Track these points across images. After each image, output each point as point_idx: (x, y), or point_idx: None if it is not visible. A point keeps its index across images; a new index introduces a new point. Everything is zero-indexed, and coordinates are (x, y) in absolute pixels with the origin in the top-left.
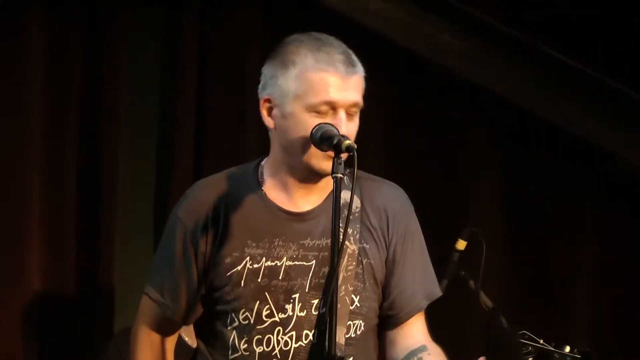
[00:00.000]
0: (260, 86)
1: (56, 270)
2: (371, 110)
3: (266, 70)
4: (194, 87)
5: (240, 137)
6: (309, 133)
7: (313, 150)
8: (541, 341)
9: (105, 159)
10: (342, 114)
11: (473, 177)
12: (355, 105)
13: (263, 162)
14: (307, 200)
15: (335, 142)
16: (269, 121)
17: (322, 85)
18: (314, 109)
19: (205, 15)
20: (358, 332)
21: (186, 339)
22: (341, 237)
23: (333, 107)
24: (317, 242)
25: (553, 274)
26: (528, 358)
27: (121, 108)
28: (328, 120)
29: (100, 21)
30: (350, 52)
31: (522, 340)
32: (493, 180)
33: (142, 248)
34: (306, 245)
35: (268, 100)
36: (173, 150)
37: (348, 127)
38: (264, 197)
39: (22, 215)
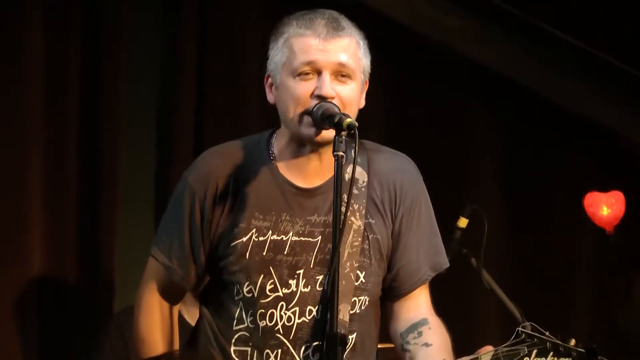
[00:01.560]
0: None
1: (57, 257)
2: (372, 89)
3: (269, 50)
4: (194, 71)
5: (240, 121)
6: (296, 98)
7: (297, 116)
8: (547, 333)
9: (105, 146)
10: (325, 75)
11: (474, 155)
12: (341, 66)
13: (275, 134)
14: (316, 175)
15: (336, 120)
16: (270, 97)
17: (301, 48)
18: (297, 73)
19: (205, 4)
20: (362, 308)
21: (185, 316)
22: (345, 212)
23: (316, 69)
24: (323, 218)
25: (554, 252)
26: (533, 349)
27: (121, 95)
28: (312, 83)
29: (99, 11)
30: (341, 17)
31: (527, 332)
32: (493, 158)
33: (143, 235)
34: (313, 221)
35: (268, 77)
36: (173, 136)
37: (338, 90)
38: (275, 171)
39: (23, 203)
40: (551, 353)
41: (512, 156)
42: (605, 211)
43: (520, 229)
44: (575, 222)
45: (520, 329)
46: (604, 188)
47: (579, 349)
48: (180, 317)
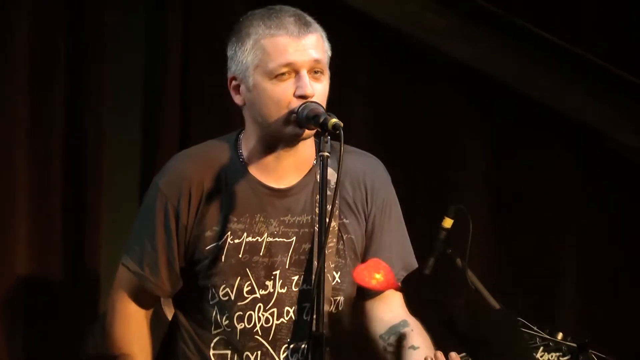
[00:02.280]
0: (227, 68)
1: (42, 259)
2: (356, 89)
3: (228, 51)
4: (178, 72)
5: (226, 121)
6: (275, 100)
7: (282, 117)
8: (535, 328)
9: (89, 147)
10: (303, 73)
11: (458, 155)
12: (316, 62)
13: (241, 136)
14: (288, 176)
15: (321, 120)
16: (237, 99)
17: (277, 49)
18: (274, 74)
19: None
20: (339, 308)
21: (165, 311)
22: (328, 213)
23: (294, 69)
24: (297, 218)
25: (539, 252)
26: None
27: (105, 95)
28: (291, 83)
29: (83, 3)
30: (304, 14)
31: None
32: (478, 158)
33: (128, 227)
34: (287, 221)
35: (233, 79)
36: (158, 136)
37: (315, 88)
38: (246, 173)
39: (6, 205)
40: (541, 348)
41: (497, 156)
42: (375, 280)
43: (505, 229)
44: (560, 222)
45: None
46: (587, 188)
47: (570, 343)
48: (159, 310)
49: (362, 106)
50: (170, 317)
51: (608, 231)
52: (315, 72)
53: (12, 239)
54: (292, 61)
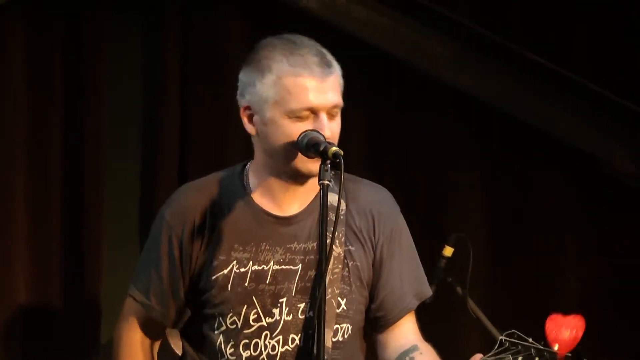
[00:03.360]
0: (238, 93)
1: (42, 280)
2: (353, 116)
3: (242, 77)
4: (178, 92)
5: (224, 142)
6: (291, 138)
7: (298, 153)
8: (530, 340)
9: (89, 168)
10: (323, 117)
11: (455, 181)
12: (335, 106)
13: (248, 166)
14: (293, 203)
15: (321, 148)
16: (250, 128)
17: (300, 91)
18: (295, 115)
19: (188, 20)
20: (345, 336)
21: (172, 345)
22: (329, 240)
23: (313, 111)
24: (303, 245)
25: (537, 278)
26: (518, 357)
27: (105, 115)
28: (309, 123)
29: (81, 27)
30: (325, 51)
31: (511, 339)
32: (475, 184)
33: (128, 257)
34: (293, 249)
35: (247, 108)
36: (158, 157)
37: (331, 128)
38: (251, 201)
39: (7, 233)
40: (537, 359)
41: (495, 183)
42: (566, 334)
43: (505, 257)
44: (559, 248)
45: (503, 337)
46: (586, 217)
47: (566, 354)
48: (167, 345)
49: (359, 132)
50: (179, 352)
51: (606, 255)
52: (332, 112)
53: (12, 267)
54: (314, 105)
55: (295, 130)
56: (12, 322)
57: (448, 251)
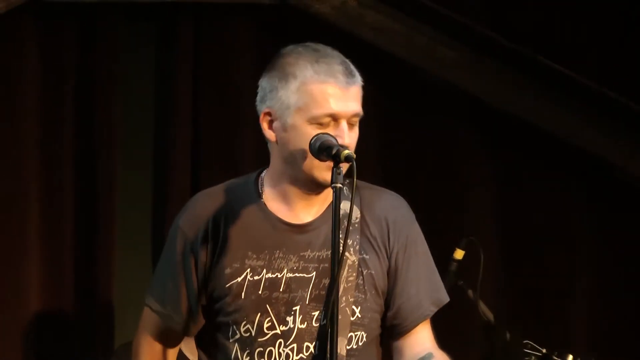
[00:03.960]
0: (258, 99)
1: (55, 286)
2: (366, 121)
3: (264, 83)
4: (190, 101)
5: (236, 150)
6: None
7: (315, 161)
8: (544, 350)
9: (101, 174)
10: (344, 124)
11: (468, 187)
12: (356, 115)
13: (263, 174)
14: (307, 211)
15: (334, 152)
16: (269, 134)
17: (324, 97)
18: (317, 121)
19: (200, 29)
20: (360, 344)
21: (188, 354)
22: (341, 247)
23: (335, 118)
24: (317, 253)
25: (550, 284)
26: None
27: (117, 123)
28: (330, 130)
29: (95, 36)
30: (349, 62)
31: (525, 350)
32: (488, 190)
33: (140, 263)
34: (306, 257)
35: (268, 114)
36: (169, 165)
37: (350, 137)
38: (265, 209)
39: (20, 235)
40: None
41: (507, 187)
42: None
43: (516, 260)
44: (570, 252)
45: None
46: (597, 218)
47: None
48: (180, 353)
49: (370, 138)
50: (192, 357)
51: (618, 259)
52: (352, 121)
53: (25, 277)
54: (336, 112)
55: None
56: (26, 326)
57: (459, 254)
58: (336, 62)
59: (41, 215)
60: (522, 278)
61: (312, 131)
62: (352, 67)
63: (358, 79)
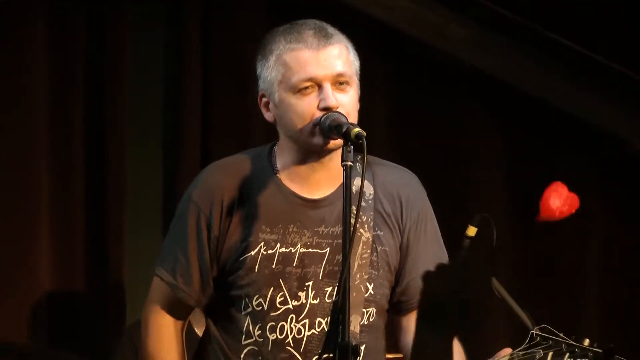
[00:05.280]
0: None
1: (66, 268)
2: (375, 99)
3: (256, 69)
4: (199, 85)
5: (247, 132)
6: (302, 115)
7: (307, 130)
8: (561, 335)
9: (112, 157)
10: (327, 86)
11: (480, 164)
12: (339, 75)
13: (275, 148)
14: (321, 186)
15: (344, 130)
16: (268, 116)
17: (297, 63)
18: (297, 89)
19: (209, 13)
20: (371, 319)
21: (194, 328)
22: (354, 223)
23: (316, 82)
24: (331, 229)
25: (561, 261)
26: (549, 352)
27: (126, 108)
28: (315, 96)
29: (103, 19)
30: (325, 26)
31: (542, 334)
32: (499, 167)
33: (151, 241)
34: (320, 232)
35: (262, 96)
36: (179, 148)
37: (340, 99)
38: (279, 183)
39: (30, 215)
40: (567, 354)
41: (518, 164)
42: (556, 203)
43: (528, 237)
44: (582, 229)
45: (534, 331)
46: (608, 194)
47: (596, 349)
48: (190, 327)
49: (382, 116)
50: (200, 333)
51: (630, 236)
52: (341, 84)
53: (36, 254)
54: (314, 75)
55: (302, 105)
56: (37, 307)
57: (472, 231)
58: (308, 27)
59: (51, 195)
60: (534, 255)
61: (298, 101)
62: (330, 29)
63: (337, 40)
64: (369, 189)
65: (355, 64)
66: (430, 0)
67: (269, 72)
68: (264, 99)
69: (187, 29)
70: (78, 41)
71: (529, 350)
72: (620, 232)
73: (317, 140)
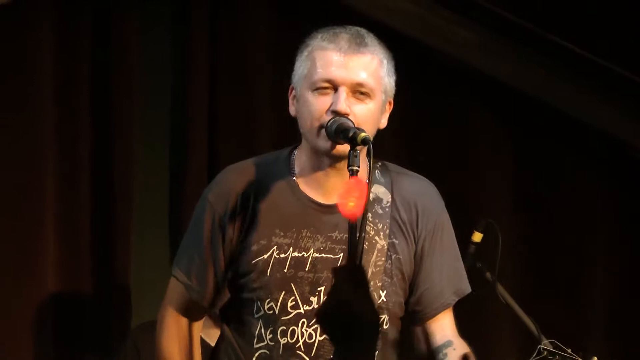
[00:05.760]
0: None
1: (71, 269)
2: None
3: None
4: (206, 85)
5: (253, 135)
6: (312, 113)
7: (314, 130)
8: (569, 351)
9: (118, 157)
10: (341, 90)
11: (485, 169)
12: (359, 85)
13: (295, 152)
14: (336, 192)
15: (350, 134)
16: (291, 109)
17: (323, 62)
18: (316, 87)
19: (216, 11)
20: (384, 327)
21: (205, 339)
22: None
23: (334, 85)
24: (344, 235)
25: (566, 265)
26: None
27: (133, 107)
28: (329, 98)
29: (110, 19)
30: (366, 35)
31: (549, 349)
32: (505, 172)
33: (157, 243)
34: (334, 237)
35: (292, 89)
36: (186, 149)
37: (354, 108)
38: (295, 187)
39: (36, 216)
40: None
41: (524, 169)
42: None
43: (534, 242)
44: (588, 234)
45: (542, 346)
46: (615, 199)
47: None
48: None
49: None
50: (212, 344)
51: (636, 240)
52: (361, 94)
53: (42, 256)
54: (333, 77)
55: (315, 104)
56: (43, 308)
57: (477, 237)
58: (346, 31)
59: (57, 196)
60: (540, 260)
61: (313, 99)
62: (369, 39)
63: (370, 49)
64: (386, 197)
65: (386, 80)
66: (437, 5)
67: (299, 65)
68: (293, 92)
69: (194, 30)
70: (84, 42)
71: None
72: (627, 237)
73: (323, 142)
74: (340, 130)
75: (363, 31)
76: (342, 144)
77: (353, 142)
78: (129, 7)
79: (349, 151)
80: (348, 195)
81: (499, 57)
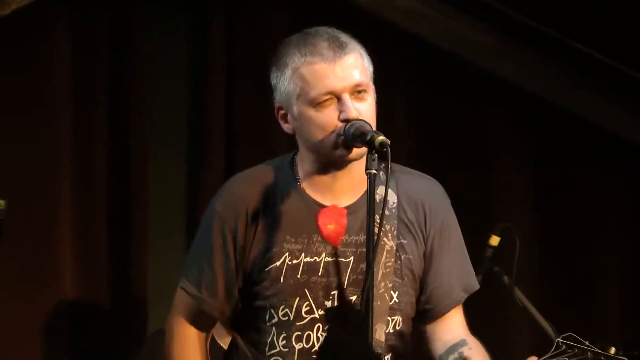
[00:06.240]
0: (273, 96)
1: (88, 275)
2: (400, 108)
3: (271, 79)
4: (223, 92)
5: (270, 135)
6: (323, 128)
7: (330, 141)
8: (587, 343)
9: (135, 163)
10: (346, 97)
11: (503, 173)
12: (357, 85)
13: (297, 157)
14: (344, 195)
15: (368, 138)
16: (286, 127)
17: (315, 77)
18: (317, 102)
19: (233, 17)
20: (397, 327)
21: (218, 340)
22: (378, 231)
23: (335, 95)
24: (355, 238)
25: (585, 268)
26: None
27: (150, 111)
28: (334, 108)
29: (127, 24)
30: (338, 34)
31: (567, 342)
32: (523, 176)
33: (174, 252)
34: (344, 241)
35: (280, 108)
36: (204, 153)
37: (360, 109)
38: (303, 193)
39: (53, 222)
40: None
41: (542, 173)
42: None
43: (551, 246)
44: (605, 238)
45: (560, 339)
46: (632, 205)
47: (622, 358)
48: (213, 339)
49: (404, 123)
50: (224, 345)
51: None
52: (359, 93)
53: (59, 262)
54: (332, 88)
55: (323, 118)
56: (60, 316)
57: (494, 240)
58: (322, 38)
59: (74, 202)
60: (558, 264)
61: (317, 114)
62: (344, 38)
63: (351, 48)
64: (392, 197)
65: (370, 69)
66: (452, 7)
67: (285, 85)
68: (282, 111)
69: (211, 37)
70: (101, 49)
71: (554, 359)
72: None
73: (341, 152)
74: (357, 135)
75: (334, 31)
76: (360, 147)
77: (371, 145)
78: (147, 16)
79: (367, 155)
80: (328, 220)
81: (515, 60)
